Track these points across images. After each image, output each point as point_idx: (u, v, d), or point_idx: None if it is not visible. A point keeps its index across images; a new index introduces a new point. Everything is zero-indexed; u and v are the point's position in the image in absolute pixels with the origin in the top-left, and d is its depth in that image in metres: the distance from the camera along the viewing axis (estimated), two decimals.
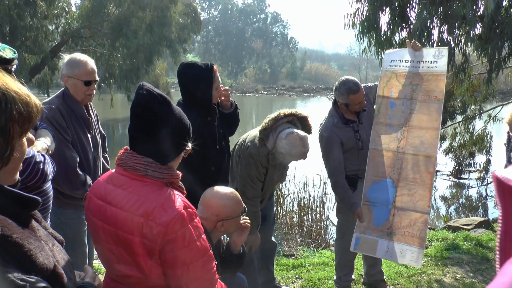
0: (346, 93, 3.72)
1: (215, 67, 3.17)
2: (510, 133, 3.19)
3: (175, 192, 1.93)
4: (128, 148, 1.98)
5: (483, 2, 5.66)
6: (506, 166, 3.99)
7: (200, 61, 3.25)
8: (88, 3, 20.50)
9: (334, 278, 4.32)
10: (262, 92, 55.63)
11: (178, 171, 2.00)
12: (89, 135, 3.10)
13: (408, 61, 3.79)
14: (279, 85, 63.20)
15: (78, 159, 2.95)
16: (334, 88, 3.85)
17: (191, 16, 24.49)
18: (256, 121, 28.38)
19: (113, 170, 2.06)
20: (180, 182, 2.03)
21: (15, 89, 1.12)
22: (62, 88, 3.08)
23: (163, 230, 1.80)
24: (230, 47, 74.69)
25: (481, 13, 5.79)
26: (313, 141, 3.64)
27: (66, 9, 20.40)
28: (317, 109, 4.01)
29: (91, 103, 3.20)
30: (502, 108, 10.63)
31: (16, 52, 1.85)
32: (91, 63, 3.10)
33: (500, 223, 0.68)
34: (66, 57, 3.10)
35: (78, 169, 2.94)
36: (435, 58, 3.71)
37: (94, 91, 3.14)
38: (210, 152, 3.12)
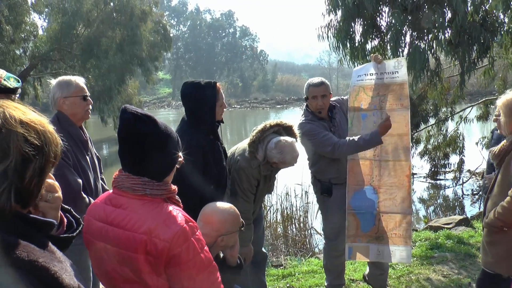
0: (308, 85, 4.01)
1: (218, 84, 3.22)
2: (496, 129, 3.31)
3: (175, 207, 1.96)
4: (122, 170, 2.00)
5: (450, 9, 5.91)
6: (488, 163, 4.16)
7: (202, 79, 3.27)
8: (56, 25, 20.32)
9: (325, 284, 4.39)
10: (235, 106, 55.81)
11: (173, 185, 2.03)
12: (87, 157, 3.10)
13: (372, 74, 4.02)
14: (251, 98, 63.54)
15: (81, 182, 2.93)
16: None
17: (161, 33, 24.52)
18: (231, 135, 28.40)
19: (110, 191, 2.08)
20: (177, 196, 2.07)
21: (50, 130, 1.18)
22: (55, 113, 3.07)
23: (167, 246, 1.83)
24: (201, 63, 74.83)
25: (449, 17, 6.03)
26: None
27: (34, 32, 20.14)
28: (293, 120, 4.10)
29: (82, 125, 3.20)
30: (471, 109, 10.97)
31: (20, 81, 1.86)
32: (80, 79, 3.14)
33: None
34: (52, 82, 3.11)
35: (82, 193, 2.92)
36: (396, 69, 3.94)
37: (90, 106, 3.17)
38: (211, 171, 3.14)
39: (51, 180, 1.29)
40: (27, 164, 1.10)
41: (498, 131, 3.50)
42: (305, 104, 4.12)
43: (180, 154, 2.07)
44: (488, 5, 6.38)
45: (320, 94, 3.93)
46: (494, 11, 6.37)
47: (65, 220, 1.42)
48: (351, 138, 3.83)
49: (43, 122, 1.17)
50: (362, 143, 3.77)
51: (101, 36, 19.86)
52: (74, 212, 1.48)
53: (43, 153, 1.13)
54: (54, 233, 1.33)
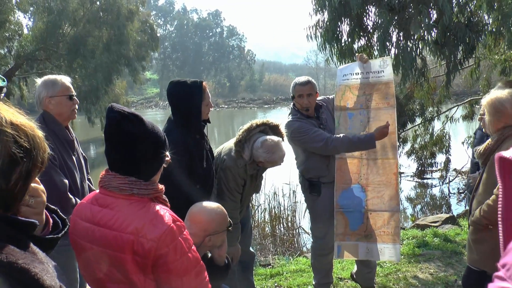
0: (295, 83, 4.04)
1: (204, 83, 3.21)
2: (481, 127, 3.35)
3: (162, 206, 1.95)
4: (109, 169, 1.99)
5: (436, 9, 5.97)
6: (471, 162, 4.21)
7: (188, 79, 3.26)
8: (41, 24, 20.09)
9: (313, 283, 4.40)
10: (223, 106, 55.81)
11: (160, 185, 2.02)
12: (74, 158, 3.07)
13: (358, 73, 4.05)
14: (239, 98, 63.59)
15: (67, 183, 2.91)
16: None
17: (148, 33, 24.43)
18: (219, 135, 28.37)
19: (97, 191, 2.06)
20: (164, 196, 2.06)
21: (39, 135, 1.17)
22: (41, 112, 3.04)
23: (154, 246, 1.82)
24: (188, 63, 74.63)
25: (435, 17, 6.11)
26: None
27: (19, 31, 19.90)
28: (280, 120, 4.10)
29: (69, 125, 3.18)
30: (457, 108, 11.08)
31: (5, 80, 1.83)
32: (66, 79, 3.12)
33: (501, 197, 0.80)
34: (38, 81, 3.08)
35: (68, 193, 2.90)
36: (381, 68, 3.98)
37: (77, 106, 3.14)
38: (197, 170, 3.14)
39: (35, 184, 1.27)
40: (14, 166, 1.09)
41: (483, 131, 3.54)
42: (292, 103, 4.13)
43: (167, 153, 2.06)
44: (472, 6, 6.46)
45: (306, 93, 3.93)
46: (479, 12, 6.45)
47: (51, 220, 1.41)
48: (344, 135, 3.85)
49: (33, 126, 1.16)
50: (356, 141, 3.78)
51: (87, 36, 19.71)
52: (60, 213, 1.46)
53: (31, 157, 1.12)
54: (39, 234, 1.31)
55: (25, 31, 21.28)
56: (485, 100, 3.06)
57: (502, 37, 6.50)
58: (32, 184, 1.24)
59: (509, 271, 0.67)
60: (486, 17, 6.60)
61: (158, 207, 1.93)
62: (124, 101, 24.18)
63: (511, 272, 0.67)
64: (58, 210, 1.46)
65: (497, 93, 3.02)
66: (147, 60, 25.15)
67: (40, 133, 1.18)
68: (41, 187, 1.31)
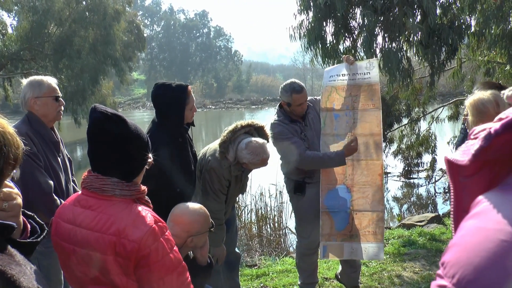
0: (290, 91, 3.89)
1: (189, 87, 3.19)
2: (467, 128, 3.37)
3: (144, 207, 1.95)
4: (91, 170, 1.98)
5: (420, 10, 6.04)
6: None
7: (174, 81, 3.24)
8: (26, 24, 19.86)
9: (299, 283, 4.41)
10: (210, 106, 55.70)
11: (142, 186, 2.02)
12: (59, 159, 3.05)
13: (345, 74, 4.06)
14: (226, 99, 63.53)
15: (52, 184, 2.89)
16: (280, 89, 4.04)
17: (135, 33, 24.34)
18: (206, 137, 28.31)
19: (79, 192, 2.05)
20: (146, 197, 2.05)
21: (10, 131, 1.15)
22: (26, 113, 3.02)
23: (136, 247, 1.81)
24: (175, 63, 74.33)
25: (419, 19, 6.17)
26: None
27: (3, 30, 19.68)
28: (267, 121, 4.11)
29: (55, 126, 3.16)
30: (443, 109, 11.20)
31: None
32: (52, 79, 3.11)
33: (452, 198, 0.82)
34: (24, 81, 3.06)
35: (53, 195, 2.89)
36: (368, 70, 4.00)
37: (62, 107, 3.11)
38: (178, 174, 3.12)
39: (7, 189, 1.25)
40: None
41: (464, 133, 3.57)
42: (278, 104, 4.12)
43: (150, 155, 2.05)
44: (456, 8, 6.53)
45: (304, 100, 3.91)
46: (462, 14, 6.52)
47: (29, 226, 1.39)
48: (316, 153, 3.88)
49: (2, 123, 1.14)
50: (326, 159, 3.84)
51: (73, 36, 19.53)
52: (37, 218, 1.45)
53: (2, 154, 1.10)
54: (18, 238, 1.30)
55: (9, 30, 21.06)
56: (468, 101, 3.09)
57: (485, 38, 6.59)
58: (5, 189, 1.23)
59: (446, 269, 0.70)
60: (469, 19, 6.69)
61: (140, 208, 1.92)
62: (111, 101, 24.03)
63: (448, 269, 0.69)
64: (35, 216, 1.45)
65: (480, 94, 3.06)
66: (134, 60, 25.06)
67: (11, 129, 1.16)
68: (16, 190, 1.30)
